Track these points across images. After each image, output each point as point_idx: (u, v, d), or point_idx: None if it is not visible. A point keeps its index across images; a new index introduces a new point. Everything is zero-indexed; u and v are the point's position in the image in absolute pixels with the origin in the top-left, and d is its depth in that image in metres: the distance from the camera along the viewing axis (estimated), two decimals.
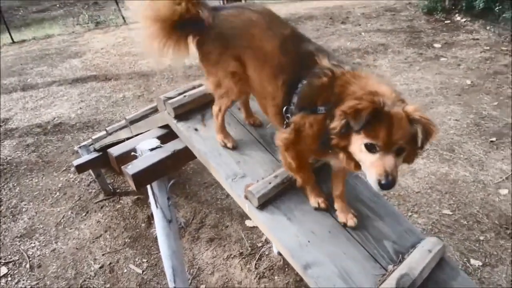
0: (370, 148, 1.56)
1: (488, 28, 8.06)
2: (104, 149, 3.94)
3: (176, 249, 2.79)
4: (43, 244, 4.02)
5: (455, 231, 3.73)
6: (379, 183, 1.54)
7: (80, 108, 6.61)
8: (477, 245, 3.58)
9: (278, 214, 2.06)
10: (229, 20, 2.13)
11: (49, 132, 5.97)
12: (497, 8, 7.79)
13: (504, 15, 7.67)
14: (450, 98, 5.82)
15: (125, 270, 3.69)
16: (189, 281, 3.49)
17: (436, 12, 8.98)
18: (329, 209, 2.09)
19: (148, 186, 2.55)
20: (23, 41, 10.91)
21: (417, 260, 1.90)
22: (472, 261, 3.44)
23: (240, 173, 2.24)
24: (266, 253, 3.73)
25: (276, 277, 3.49)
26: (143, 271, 3.67)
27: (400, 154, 1.59)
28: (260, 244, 3.82)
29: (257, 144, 2.45)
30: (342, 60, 1.93)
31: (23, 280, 3.64)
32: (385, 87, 1.68)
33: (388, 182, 1.52)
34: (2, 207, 4.54)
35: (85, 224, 4.23)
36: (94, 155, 4.32)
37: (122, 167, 2.40)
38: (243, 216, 4.08)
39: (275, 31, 2.02)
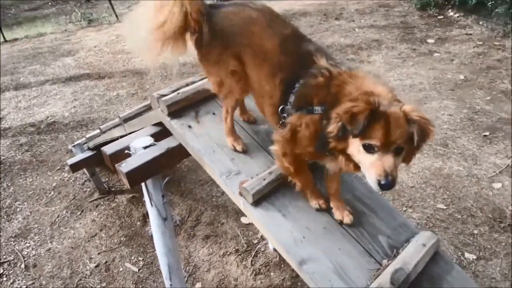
0: (368, 148, 1.56)
1: (481, 23, 8.08)
2: (98, 147, 3.92)
3: (172, 246, 2.79)
4: (38, 244, 4.00)
5: (450, 225, 3.75)
6: (379, 184, 1.53)
7: (74, 106, 6.57)
8: (471, 238, 3.61)
9: (272, 211, 2.07)
10: (228, 18, 2.11)
11: (42, 131, 5.94)
12: (490, 3, 7.81)
13: (496, 10, 7.69)
14: (443, 93, 5.85)
15: (121, 269, 3.68)
16: (185, 279, 3.49)
17: (429, 7, 8.99)
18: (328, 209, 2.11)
19: (143, 184, 2.54)
20: (15, 39, 10.81)
21: (411, 255, 1.92)
22: (467, 254, 3.46)
23: (234, 170, 2.24)
24: (262, 249, 3.74)
25: (272, 274, 3.50)
26: (139, 270, 3.66)
27: (399, 154, 1.59)
28: (256, 241, 3.83)
29: (251, 141, 2.45)
30: (340, 61, 1.92)
31: (18, 280, 3.62)
32: (382, 87, 1.68)
33: (388, 182, 1.52)
34: None
35: (80, 223, 4.21)
36: (88, 153, 4.30)
37: (116, 165, 2.39)
38: (239, 213, 4.08)
39: (275, 29, 2.01)
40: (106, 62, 8.29)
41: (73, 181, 4.84)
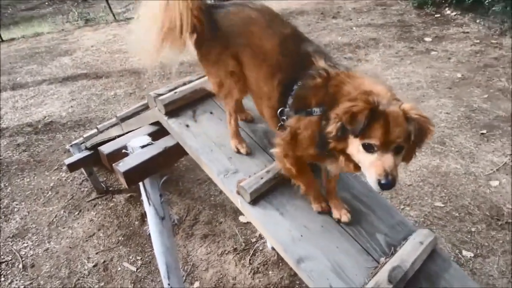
0: (368, 148, 1.54)
1: (478, 21, 8.10)
2: (95, 147, 3.91)
3: (170, 246, 2.79)
4: (36, 244, 3.99)
5: (447, 223, 3.76)
6: (379, 183, 1.52)
7: (71, 106, 6.55)
8: (469, 236, 3.62)
9: (270, 209, 2.07)
10: (228, 18, 2.10)
11: (40, 131, 5.92)
12: (487, 1, 7.82)
13: (493, 8, 7.70)
14: (441, 91, 5.86)
15: (119, 268, 3.68)
16: (184, 278, 3.49)
17: (427, 6, 9.00)
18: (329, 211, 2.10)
19: (140, 184, 2.54)
20: (12, 39, 10.77)
21: (409, 252, 1.92)
22: (464, 252, 3.47)
23: (232, 169, 2.24)
24: (260, 248, 3.74)
25: (270, 272, 3.51)
26: (137, 269, 3.66)
27: (399, 153, 1.57)
28: (254, 240, 3.83)
29: (249, 140, 2.45)
30: (338, 61, 1.91)
31: (16, 280, 3.62)
32: (380, 86, 1.66)
33: (388, 181, 1.50)
34: None
35: (78, 223, 4.21)
36: (86, 153, 4.29)
37: (113, 164, 2.39)
38: (237, 212, 4.08)
39: (274, 29, 1.99)
40: (104, 61, 8.28)
41: (70, 181, 4.83)
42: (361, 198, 2.23)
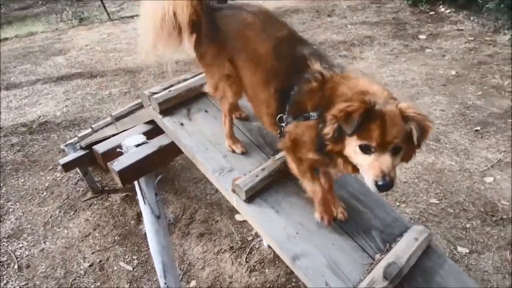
0: (364, 149, 1.53)
1: (472, 18, 8.13)
2: (90, 146, 3.89)
3: (166, 244, 2.78)
4: (31, 244, 3.97)
5: (442, 219, 3.78)
6: (376, 184, 1.50)
7: (66, 106, 6.52)
8: (464, 232, 3.64)
9: (266, 207, 2.07)
10: (224, 21, 2.09)
11: (34, 131, 5.89)
12: None
13: (487, 6, 7.74)
14: (435, 88, 5.88)
15: (115, 268, 3.67)
16: (180, 277, 3.49)
17: (421, 3, 9.03)
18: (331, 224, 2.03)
19: (136, 182, 2.54)
20: (5, 39, 10.68)
21: (404, 249, 1.93)
22: (459, 248, 3.49)
23: (227, 167, 2.24)
24: (257, 246, 3.75)
25: (266, 270, 3.51)
26: (133, 268, 3.66)
27: (397, 153, 1.55)
28: (250, 238, 3.83)
29: (243, 138, 2.45)
30: (335, 63, 1.89)
31: (12, 281, 3.60)
32: (376, 86, 1.65)
33: (386, 182, 1.48)
34: None
35: (73, 223, 4.19)
36: (81, 153, 4.26)
37: (108, 163, 2.38)
38: (233, 211, 4.08)
39: (269, 33, 1.97)
40: (98, 60, 8.24)
41: (66, 180, 4.81)
42: (357, 196, 2.23)
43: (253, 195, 2.08)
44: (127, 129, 2.91)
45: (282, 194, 2.13)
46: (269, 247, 3.64)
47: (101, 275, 3.61)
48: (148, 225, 2.69)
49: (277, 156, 2.23)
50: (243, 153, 2.32)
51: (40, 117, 6.26)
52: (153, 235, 2.72)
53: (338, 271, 1.86)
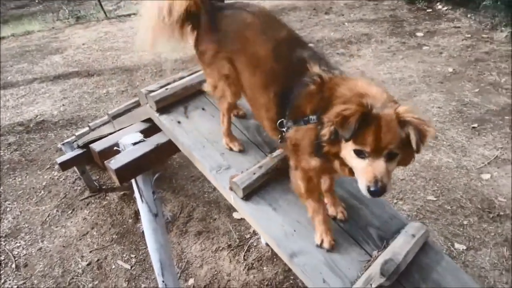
0: (359, 153, 1.52)
1: (469, 16, 8.14)
2: (87, 145, 3.89)
3: (163, 243, 2.78)
4: (29, 243, 3.97)
5: (440, 216, 3.79)
6: (368, 190, 1.49)
7: (63, 105, 6.50)
8: (461, 229, 3.65)
9: (263, 205, 2.07)
10: (224, 22, 2.09)
11: (31, 130, 5.87)
12: None
13: (484, 3, 7.75)
14: (432, 86, 5.89)
15: (113, 266, 3.67)
16: (178, 275, 3.49)
17: (418, 1, 9.04)
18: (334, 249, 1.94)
19: (133, 181, 2.53)
20: (2, 38, 10.63)
21: (401, 245, 1.94)
22: (456, 245, 3.50)
23: (224, 165, 2.24)
24: (255, 244, 3.75)
25: (264, 268, 3.52)
26: (131, 267, 3.65)
27: (393, 159, 1.53)
28: (248, 236, 3.84)
29: (241, 135, 2.45)
30: (334, 65, 1.88)
31: (10, 280, 3.59)
32: (376, 88, 1.62)
33: (377, 189, 1.47)
34: None
35: (71, 222, 4.19)
36: (78, 151, 4.26)
37: (105, 162, 2.37)
38: (231, 209, 4.08)
39: (269, 35, 1.95)
40: (95, 59, 8.22)
41: (63, 179, 4.80)
42: (354, 193, 2.24)
43: (250, 193, 2.08)
44: (124, 128, 2.91)
45: (280, 191, 2.13)
46: (267, 245, 3.64)
47: (99, 274, 3.61)
48: (146, 223, 2.69)
49: (275, 154, 2.24)
50: (240, 151, 2.32)
51: (37, 116, 6.25)
52: (151, 234, 2.72)
53: (336, 268, 1.87)
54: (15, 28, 11.47)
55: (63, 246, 3.90)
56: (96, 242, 3.93)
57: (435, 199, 3.97)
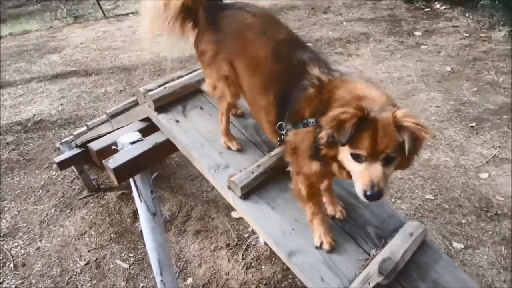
0: (356, 157, 1.50)
1: (467, 15, 8.15)
2: (85, 144, 3.88)
3: (162, 242, 2.78)
4: (27, 243, 3.96)
5: (438, 215, 3.80)
6: (364, 194, 1.48)
7: (61, 104, 6.49)
8: (459, 228, 3.66)
9: (261, 203, 2.07)
10: (224, 22, 2.08)
11: (29, 129, 5.86)
12: None
13: (482, 2, 7.76)
14: (431, 85, 5.90)
15: (112, 266, 3.67)
16: (177, 274, 3.49)
17: (416, 0, 9.04)
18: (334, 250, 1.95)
19: (131, 180, 2.53)
20: (0, 37, 10.62)
21: (399, 244, 1.94)
22: (454, 244, 3.51)
23: (223, 164, 2.24)
24: (253, 243, 3.75)
25: (263, 267, 3.52)
26: (130, 266, 3.65)
27: (390, 163, 1.51)
28: (246, 235, 3.84)
29: (239, 135, 2.45)
30: (334, 67, 1.86)
31: (8, 280, 3.59)
32: (375, 91, 1.60)
33: (373, 193, 1.46)
34: None
35: (69, 221, 4.18)
36: (76, 151, 4.26)
37: (103, 161, 2.37)
38: (229, 208, 4.08)
39: (269, 36, 1.94)
40: (93, 58, 8.20)
41: (61, 179, 4.79)
42: (353, 192, 2.22)
43: (248, 192, 2.08)
44: (122, 127, 2.91)
45: (278, 190, 2.14)
46: (266, 244, 3.64)
47: (98, 273, 3.60)
48: (144, 222, 2.68)
49: (273, 153, 2.24)
50: (238, 150, 2.32)
51: (35, 115, 6.23)
52: (149, 233, 2.71)
53: (334, 267, 1.87)
54: (13, 27, 11.43)
55: (61, 246, 3.90)
56: (94, 242, 3.92)
57: (433, 198, 3.98)
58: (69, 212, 4.30)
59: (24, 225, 4.17)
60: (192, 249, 3.76)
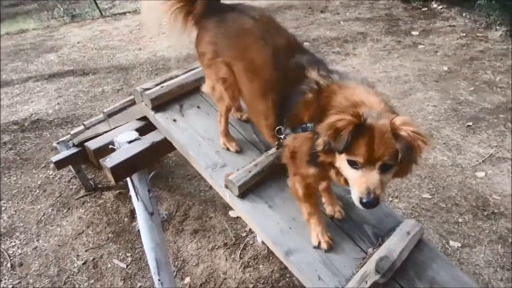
0: (352, 164, 1.49)
1: (464, 14, 8.17)
2: (83, 144, 3.87)
3: (159, 241, 2.78)
4: (24, 243, 3.95)
5: (435, 214, 3.81)
6: (361, 201, 1.47)
7: (58, 103, 6.47)
8: (456, 227, 3.67)
9: (259, 202, 2.07)
10: (223, 25, 2.08)
11: (26, 129, 5.84)
12: None
13: (479, 2, 7.78)
14: (428, 84, 5.91)
15: (109, 265, 3.66)
16: (174, 273, 3.48)
17: (413, 0, 9.06)
18: (332, 249, 1.95)
19: (128, 179, 2.53)
20: None
21: (396, 243, 1.94)
22: (451, 242, 3.52)
23: (220, 163, 2.24)
24: (251, 242, 3.75)
25: (260, 266, 3.52)
26: (127, 266, 3.65)
27: (388, 170, 1.49)
28: (244, 234, 3.84)
29: (237, 134, 2.45)
30: (333, 70, 1.85)
31: (5, 280, 3.58)
32: (373, 97, 1.59)
33: (369, 200, 1.44)
34: None
35: (66, 221, 4.17)
36: (73, 150, 4.24)
37: (100, 160, 2.37)
38: (227, 207, 4.08)
39: (268, 40, 1.94)
40: (90, 58, 8.18)
41: (58, 178, 4.78)
42: None
43: (246, 191, 2.08)
44: (119, 126, 2.90)
45: (275, 189, 2.14)
46: (263, 243, 3.65)
47: (95, 273, 3.60)
48: (142, 222, 2.68)
49: (270, 152, 2.24)
50: (237, 152, 2.32)
51: (32, 115, 6.21)
52: (147, 232, 2.71)
53: (331, 266, 1.87)
54: (9, 26, 11.39)
55: (59, 245, 3.89)
56: (91, 241, 3.91)
57: (430, 197, 3.99)
58: (66, 211, 4.29)
59: (21, 224, 4.16)
60: (190, 248, 3.76)
